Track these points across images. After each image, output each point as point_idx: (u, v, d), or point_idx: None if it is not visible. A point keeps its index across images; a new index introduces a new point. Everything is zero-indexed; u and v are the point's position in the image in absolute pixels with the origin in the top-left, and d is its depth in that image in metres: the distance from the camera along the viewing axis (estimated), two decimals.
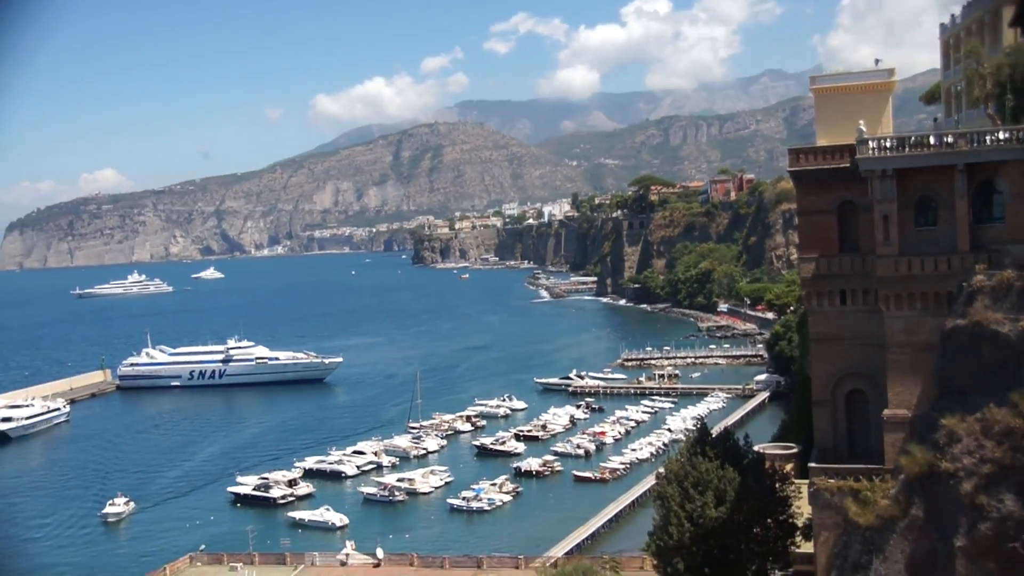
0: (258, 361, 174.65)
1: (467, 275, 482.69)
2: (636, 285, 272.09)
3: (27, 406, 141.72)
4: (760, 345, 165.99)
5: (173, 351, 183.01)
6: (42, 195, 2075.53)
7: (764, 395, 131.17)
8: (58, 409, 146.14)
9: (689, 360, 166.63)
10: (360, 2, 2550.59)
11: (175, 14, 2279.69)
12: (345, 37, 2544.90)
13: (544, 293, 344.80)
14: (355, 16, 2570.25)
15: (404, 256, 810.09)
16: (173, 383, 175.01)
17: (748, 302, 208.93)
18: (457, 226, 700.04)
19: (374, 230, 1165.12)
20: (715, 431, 52.18)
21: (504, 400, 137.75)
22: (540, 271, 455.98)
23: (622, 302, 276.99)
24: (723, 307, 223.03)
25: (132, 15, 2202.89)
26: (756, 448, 51.87)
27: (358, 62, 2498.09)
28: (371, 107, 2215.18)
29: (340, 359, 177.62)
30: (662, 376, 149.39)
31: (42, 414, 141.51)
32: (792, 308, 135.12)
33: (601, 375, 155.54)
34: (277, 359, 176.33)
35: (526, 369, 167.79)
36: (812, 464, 40.63)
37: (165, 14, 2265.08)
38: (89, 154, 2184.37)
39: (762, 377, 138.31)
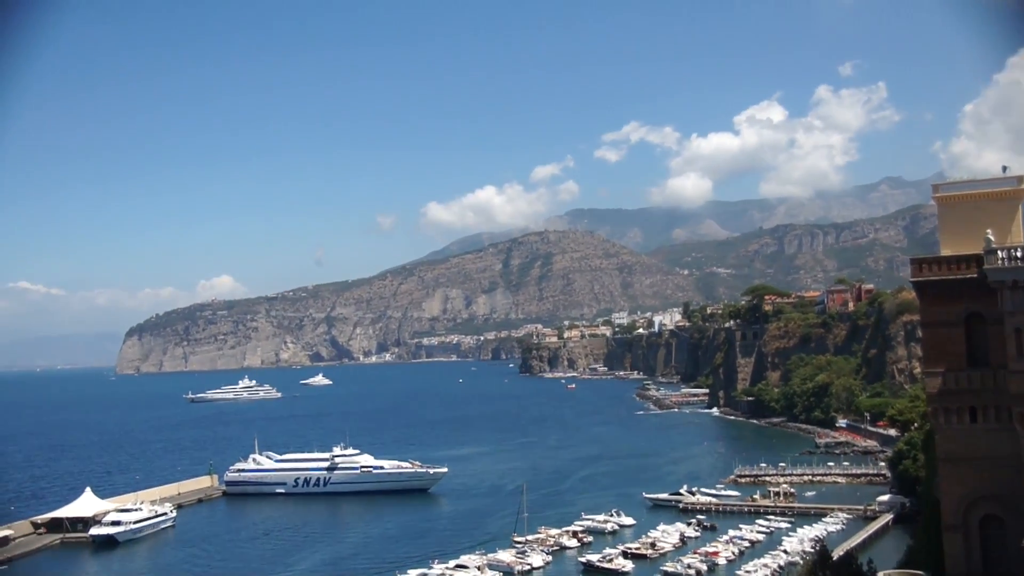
0: (363, 470, 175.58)
1: (574, 385, 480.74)
2: (749, 398, 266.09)
3: (135, 510, 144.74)
4: (882, 463, 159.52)
5: (279, 458, 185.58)
6: (162, 301, 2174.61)
7: (888, 517, 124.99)
8: (165, 514, 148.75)
9: (806, 478, 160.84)
10: (473, 113, 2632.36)
11: (288, 122, 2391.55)
12: (458, 147, 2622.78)
13: (654, 405, 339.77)
14: (468, 126, 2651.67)
15: (511, 365, 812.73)
16: (278, 490, 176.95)
17: (868, 417, 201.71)
18: (565, 335, 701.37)
19: (482, 338, 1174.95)
20: (836, 554, 49.78)
21: (612, 515, 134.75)
22: (650, 382, 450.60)
23: (735, 415, 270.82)
24: (842, 422, 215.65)
25: (246, 127, 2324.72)
26: (880, 575, 49.14)
27: (470, 171, 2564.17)
28: (482, 215, 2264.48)
29: (445, 469, 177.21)
30: (777, 494, 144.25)
31: (149, 518, 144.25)
32: (916, 425, 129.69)
33: (713, 491, 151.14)
34: (382, 468, 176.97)
35: (635, 483, 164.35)
36: None
37: (279, 122, 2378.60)
38: (208, 261, 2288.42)
39: (885, 498, 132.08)
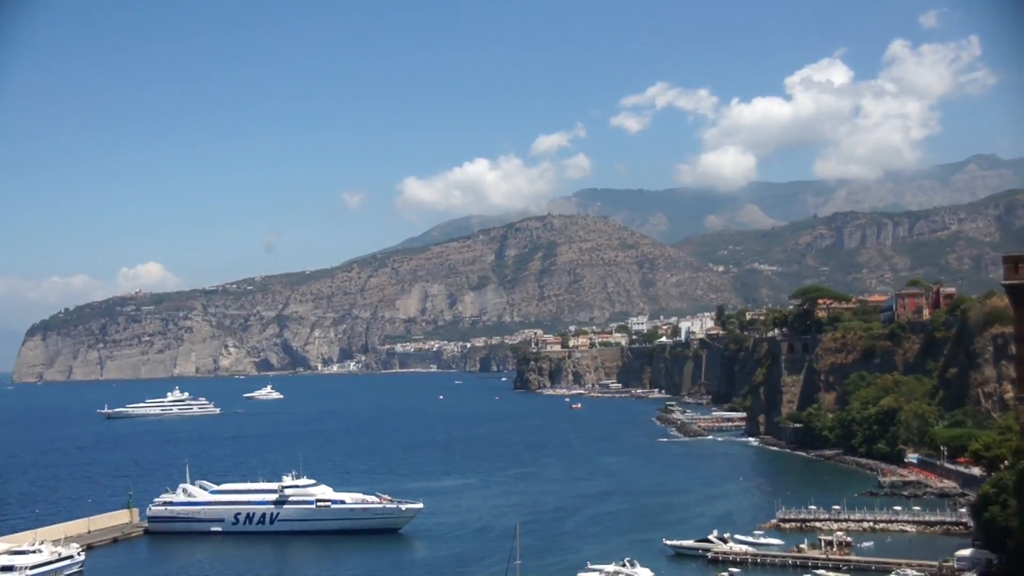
0: (319, 504, 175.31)
1: (579, 404, 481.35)
2: (797, 425, 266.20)
3: (33, 552, 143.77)
4: (962, 509, 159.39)
5: (216, 488, 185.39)
6: (73, 292, 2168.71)
7: None
8: (71, 557, 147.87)
9: (866, 524, 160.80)
10: (457, 69, 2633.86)
11: (233, 79, 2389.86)
12: (442, 110, 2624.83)
13: (678, 431, 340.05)
14: (454, 84, 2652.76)
15: (504, 378, 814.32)
16: (214, 528, 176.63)
17: (946, 452, 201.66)
18: (571, 343, 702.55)
19: (468, 345, 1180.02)
20: None
21: (625, 565, 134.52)
22: (674, 403, 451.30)
23: (778, 446, 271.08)
24: (912, 457, 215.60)
25: (182, 82, 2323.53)
26: None
27: (457, 140, 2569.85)
28: (471, 195, 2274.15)
29: (420, 505, 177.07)
30: (830, 544, 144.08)
31: (50, 563, 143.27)
32: (1007, 463, 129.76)
33: (750, 538, 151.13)
34: (343, 502, 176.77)
35: (653, 527, 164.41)
36: None
37: (221, 80, 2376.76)
38: (131, 244, 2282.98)
39: (966, 552, 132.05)
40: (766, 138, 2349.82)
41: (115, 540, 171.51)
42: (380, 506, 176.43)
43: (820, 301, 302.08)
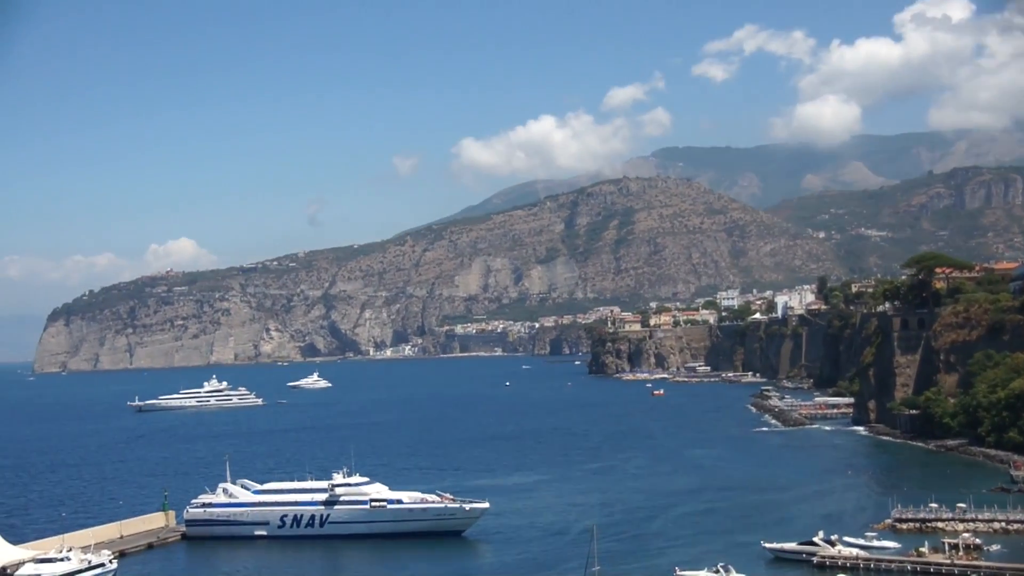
0: (373, 504, 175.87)
1: (662, 391, 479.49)
2: (913, 411, 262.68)
3: (61, 560, 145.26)
4: None
5: (260, 488, 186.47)
6: (98, 273, 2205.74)
7: None
8: (102, 565, 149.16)
9: (997, 525, 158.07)
10: (520, 16, 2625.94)
11: (271, 31, 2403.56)
12: (501, 62, 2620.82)
13: (776, 419, 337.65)
14: (514, 35, 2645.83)
15: (577, 362, 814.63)
16: (258, 531, 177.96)
17: None
18: (653, 322, 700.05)
19: (536, 325, 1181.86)
20: None
21: (719, 571, 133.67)
22: (771, 387, 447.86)
23: (891, 435, 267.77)
24: None
25: (214, 36, 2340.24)
26: None
27: (519, 96, 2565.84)
28: (536, 157, 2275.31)
29: (486, 504, 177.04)
30: (954, 547, 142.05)
31: (80, 572, 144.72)
32: None
33: (861, 541, 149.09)
34: (400, 502, 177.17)
35: (749, 528, 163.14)
36: None
37: (257, 32, 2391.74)
38: (162, 219, 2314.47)
39: None
40: (872, 85, 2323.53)
41: (150, 546, 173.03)
42: (441, 506, 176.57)
43: (938, 270, 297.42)
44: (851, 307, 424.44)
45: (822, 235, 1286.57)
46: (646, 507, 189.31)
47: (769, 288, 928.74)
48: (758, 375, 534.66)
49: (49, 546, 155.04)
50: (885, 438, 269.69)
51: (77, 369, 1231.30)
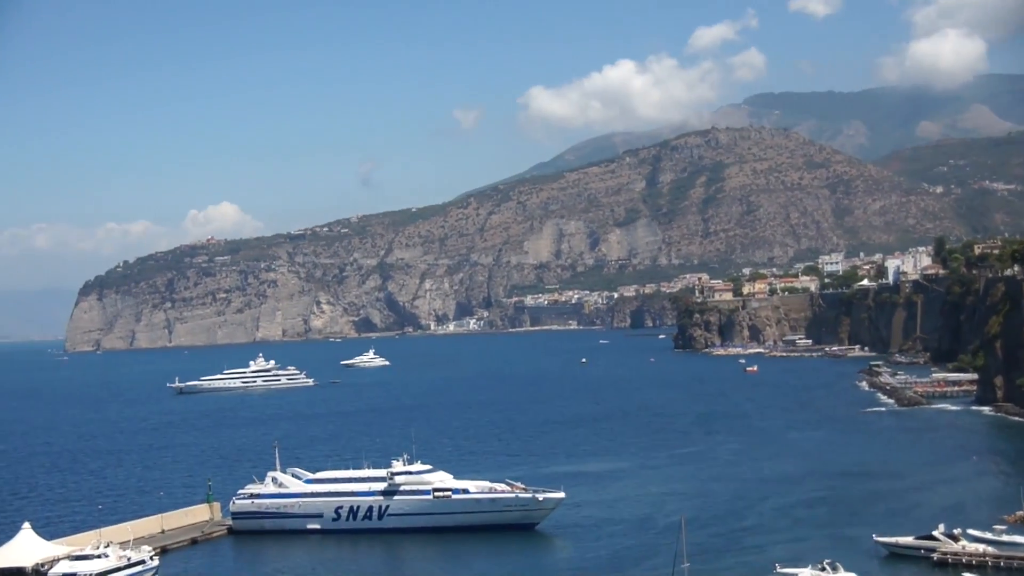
0: (437, 495, 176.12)
1: (755, 367, 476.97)
2: None
3: (98, 556, 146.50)
4: None
5: (312, 477, 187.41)
6: (133, 242, 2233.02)
7: None
8: (142, 562, 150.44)
9: None
10: None
11: None
12: (573, 2, 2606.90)
13: (888, 397, 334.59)
14: None
15: (662, 336, 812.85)
16: (311, 524, 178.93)
17: None
18: (746, 290, 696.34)
19: (615, 295, 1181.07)
20: None
21: (824, 569, 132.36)
22: (881, 362, 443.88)
23: (1021, 416, 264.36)
24: None
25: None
26: None
27: (594, 38, 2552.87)
28: (613, 106, 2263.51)
29: (562, 494, 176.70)
30: None
31: (119, 569, 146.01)
32: None
33: (989, 535, 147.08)
34: (466, 492, 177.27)
35: (860, 520, 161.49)
36: None
37: None
38: (201, 183, 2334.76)
39: None
40: (1000, 16, 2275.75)
41: (193, 541, 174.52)
42: (512, 496, 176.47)
43: None
44: (974, 271, 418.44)
45: (940, 190, 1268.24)
46: (741, 497, 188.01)
47: (878, 251, 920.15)
48: (866, 349, 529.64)
49: (85, 541, 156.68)
50: (1015, 419, 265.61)
51: (111, 347, 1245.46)
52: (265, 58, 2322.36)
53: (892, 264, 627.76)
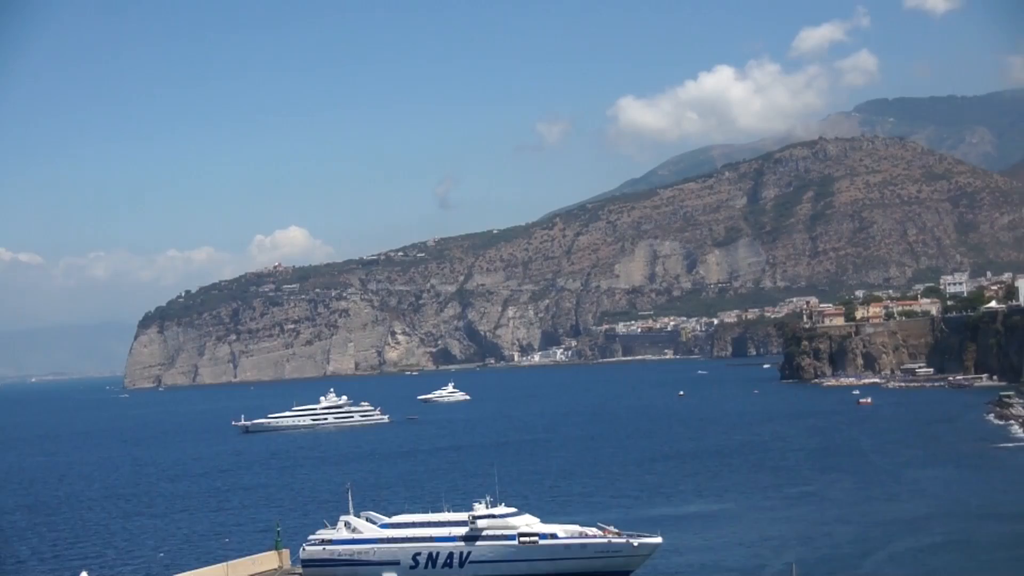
0: (523, 540, 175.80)
1: (869, 399, 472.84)
2: None
3: None
4: None
5: (388, 521, 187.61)
6: (196, 270, 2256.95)
7: None
8: None
9: None
10: None
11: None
12: (666, 4, 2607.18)
13: (1022, 431, 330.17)
14: None
15: (766, 365, 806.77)
16: (387, 573, 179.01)
17: None
18: (859, 315, 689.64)
19: (715, 321, 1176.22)
20: None
21: None
22: (1013, 392, 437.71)
23: None
24: None
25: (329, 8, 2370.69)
26: None
27: (687, 44, 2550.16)
28: (711, 116, 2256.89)
29: (659, 539, 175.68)
30: None
31: None
32: None
33: None
34: (554, 536, 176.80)
35: (991, 567, 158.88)
36: None
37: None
38: (268, 207, 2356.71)
39: None
40: None
41: None
42: (604, 541, 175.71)
43: None
44: None
45: None
46: (857, 541, 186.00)
47: (1007, 270, 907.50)
48: (995, 378, 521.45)
49: None
50: None
51: (173, 383, 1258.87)
52: (333, 74, 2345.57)
53: (1023, 284, 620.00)
